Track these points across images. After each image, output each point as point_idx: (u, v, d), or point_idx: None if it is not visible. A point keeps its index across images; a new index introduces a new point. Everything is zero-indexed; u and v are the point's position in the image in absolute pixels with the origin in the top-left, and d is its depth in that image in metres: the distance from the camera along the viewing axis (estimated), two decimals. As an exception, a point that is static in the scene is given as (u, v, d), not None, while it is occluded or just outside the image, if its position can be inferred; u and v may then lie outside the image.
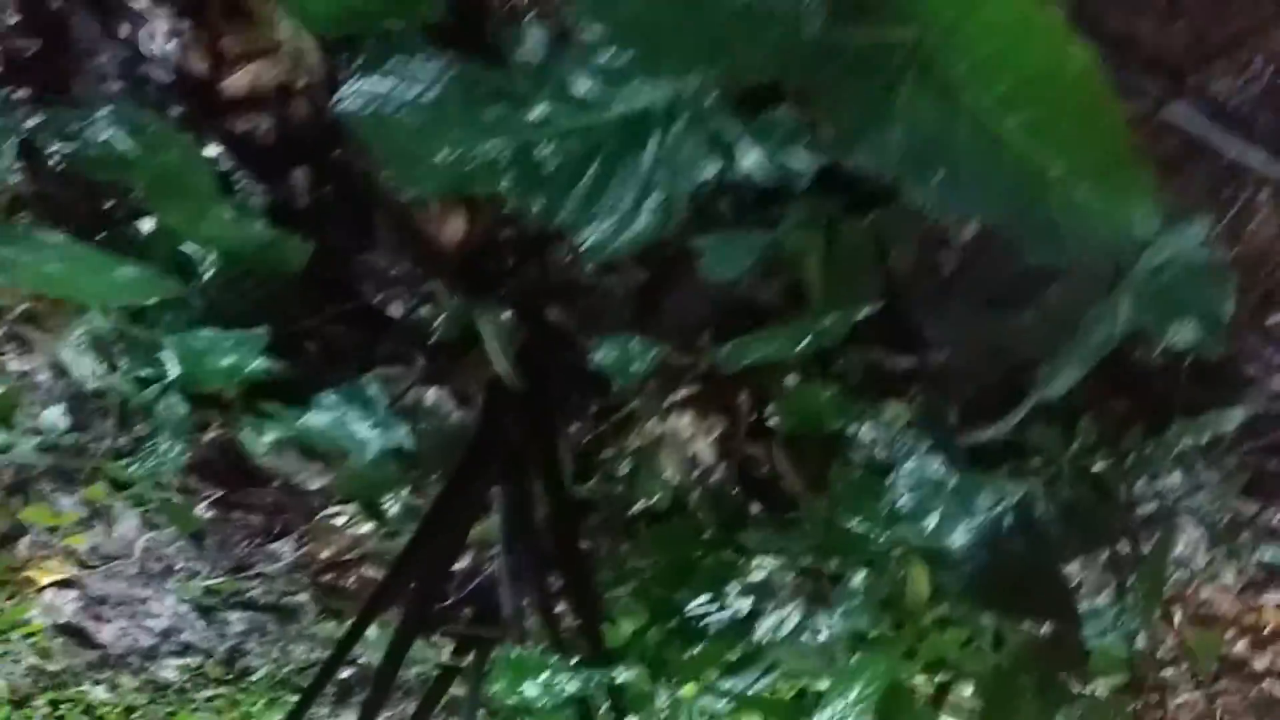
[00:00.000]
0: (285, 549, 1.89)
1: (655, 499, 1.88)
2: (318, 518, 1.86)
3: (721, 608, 1.45)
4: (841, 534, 1.42)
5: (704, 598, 1.44)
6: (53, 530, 1.86)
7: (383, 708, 1.69)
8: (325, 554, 1.90)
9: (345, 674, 2.24)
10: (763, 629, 1.29)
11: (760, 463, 1.95)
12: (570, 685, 1.32)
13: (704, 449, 1.94)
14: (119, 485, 1.75)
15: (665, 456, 1.93)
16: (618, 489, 1.86)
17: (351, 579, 1.98)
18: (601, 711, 1.36)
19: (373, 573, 1.98)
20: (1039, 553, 1.60)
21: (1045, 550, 1.62)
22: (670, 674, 1.38)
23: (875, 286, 1.20)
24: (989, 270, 1.50)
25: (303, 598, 2.04)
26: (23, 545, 1.89)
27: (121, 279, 1.10)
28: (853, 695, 1.24)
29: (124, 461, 1.62)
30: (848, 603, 1.37)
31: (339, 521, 1.87)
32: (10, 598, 1.99)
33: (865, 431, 1.54)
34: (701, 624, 1.44)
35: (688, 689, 1.42)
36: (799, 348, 1.17)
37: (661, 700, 1.37)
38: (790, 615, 1.26)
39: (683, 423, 1.91)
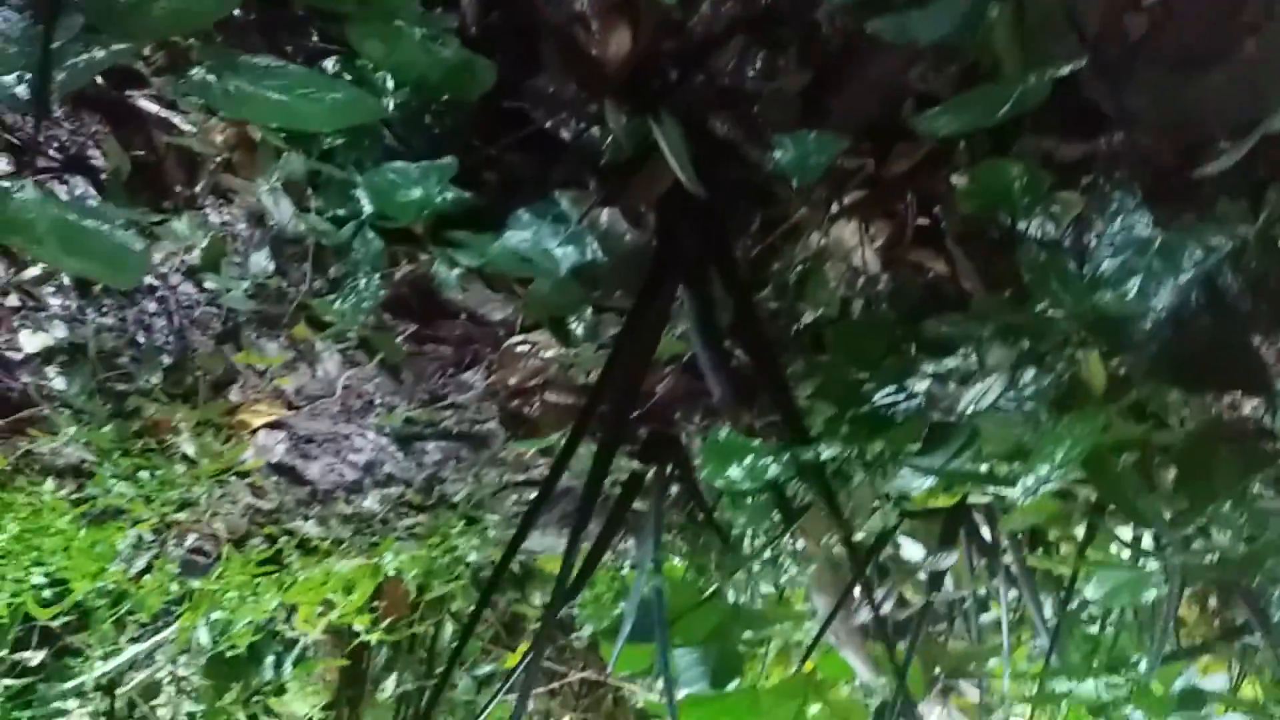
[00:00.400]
0: (475, 378, 2.00)
1: (823, 309, 1.91)
2: (504, 347, 1.95)
3: (910, 397, 1.48)
4: (1031, 318, 1.43)
5: (891, 388, 1.47)
6: (261, 374, 2.00)
7: (590, 519, 1.82)
8: (513, 380, 2.00)
9: (533, 494, 2.39)
10: (964, 401, 1.32)
11: (927, 269, 1.96)
12: (773, 467, 1.39)
13: (870, 257, 1.95)
14: (320, 325, 1.86)
15: (831, 267, 1.96)
16: (787, 302, 1.90)
17: (535, 404, 2.08)
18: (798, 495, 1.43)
19: (554, 398, 2.08)
20: (1229, 325, 1.58)
21: (1235, 323, 1.60)
22: (867, 455, 1.43)
23: (1071, 48, 1.18)
24: (1178, 33, 1.44)
25: (492, 425, 2.16)
26: (234, 391, 2.05)
27: (336, 102, 1.16)
28: (1059, 456, 1.27)
29: (326, 298, 1.72)
30: (1039, 382, 1.38)
31: (523, 349, 1.96)
32: (226, 441, 2.16)
33: (1036, 227, 1.52)
34: (890, 412, 1.48)
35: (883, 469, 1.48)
36: (1000, 111, 1.16)
37: (859, 479, 1.42)
38: (992, 387, 1.29)
39: (847, 231, 1.92)
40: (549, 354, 1.96)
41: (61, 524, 2.34)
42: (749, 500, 1.57)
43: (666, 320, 1.58)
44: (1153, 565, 1.49)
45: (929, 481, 1.48)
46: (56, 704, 3.63)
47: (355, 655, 3.88)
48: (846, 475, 1.46)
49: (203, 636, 2.89)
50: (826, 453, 1.34)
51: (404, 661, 4.35)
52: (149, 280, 1.87)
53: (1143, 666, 3.26)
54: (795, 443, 1.34)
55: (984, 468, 1.40)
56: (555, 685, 4.50)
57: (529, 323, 1.92)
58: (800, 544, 2.91)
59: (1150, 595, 1.56)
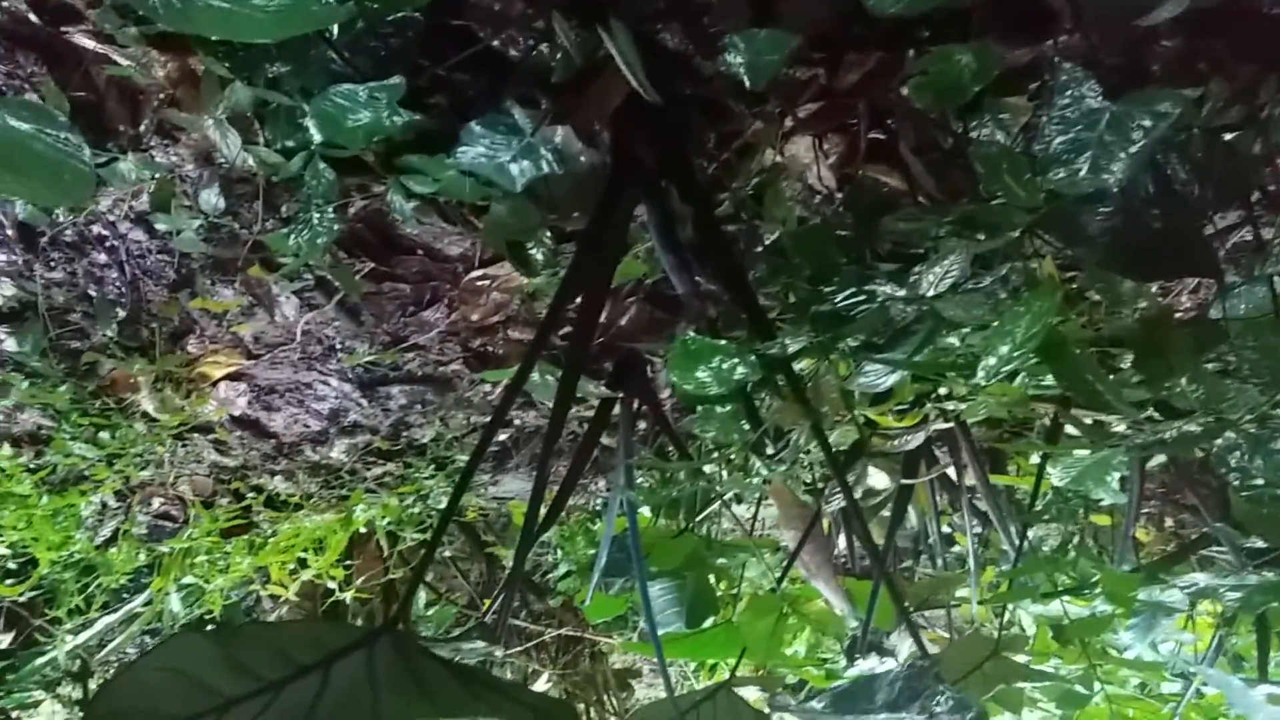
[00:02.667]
0: (436, 317, 1.99)
1: (781, 227, 1.91)
2: (464, 282, 1.94)
3: (870, 298, 1.49)
4: (985, 210, 1.45)
5: (850, 290, 1.48)
6: (218, 322, 1.97)
7: (554, 450, 1.81)
8: (474, 317, 1.99)
9: (502, 437, 2.38)
10: (924, 285, 1.33)
11: (882, 184, 1.97)
12: (739, 369, 1.40)
13: (825, 174, 1.96)
14: (274, 267, 1.84)
15: (788, 185, 1.96)
16: (746, 221, 1.90)
17: (499, 341, 2.08)
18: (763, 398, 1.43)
19: (518, 334, 2.07)
20: (1178, 214, 1.61)
21: (1184, 211, 1.63)
22: (831, 350, 1.44)
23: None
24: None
25: (456, 365, 2.15)
26: (192, 342, 2.02)
27: (282, 8, 1.13)
28: (1019, 334, 1.28)
29: (279, 234, 1.70)
30: (996, 273, 1.40)
31: (483, 284, 1.95)
32: (187, 396, 2.14)
33: (986, 135, 1.54)
34: (852, 312, 1.49)
35: (842, 368, 1.49)
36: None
37: (827, 379, 1.43)
38: (951, 270, 1.30)
39: (801, 148, 1.92)
40: (510, 287, 1.95)
41: (22, 491, 2.30)
42: (718, 410, 1.58)
43: (624, 237, 1.58)
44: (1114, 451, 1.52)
45: (893, 377, 1.50)
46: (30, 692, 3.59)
47: (330, 617, 3.86)
48: (811, 378, 1.48)
49: (175, 605, 2.86)
50: (791, 346, 1.35)
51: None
52: (98, 230, 1.83)
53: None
54: (760, 337, 1.35)
55: (946, 358, 1.41)
56: (532, 645, 4.52)
57: (488, 256, 1.91)
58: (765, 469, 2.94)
59: (1115, 477, 1.59)
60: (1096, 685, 3.13)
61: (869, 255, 1.59)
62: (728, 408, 1.59)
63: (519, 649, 4.48)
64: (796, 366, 1.58)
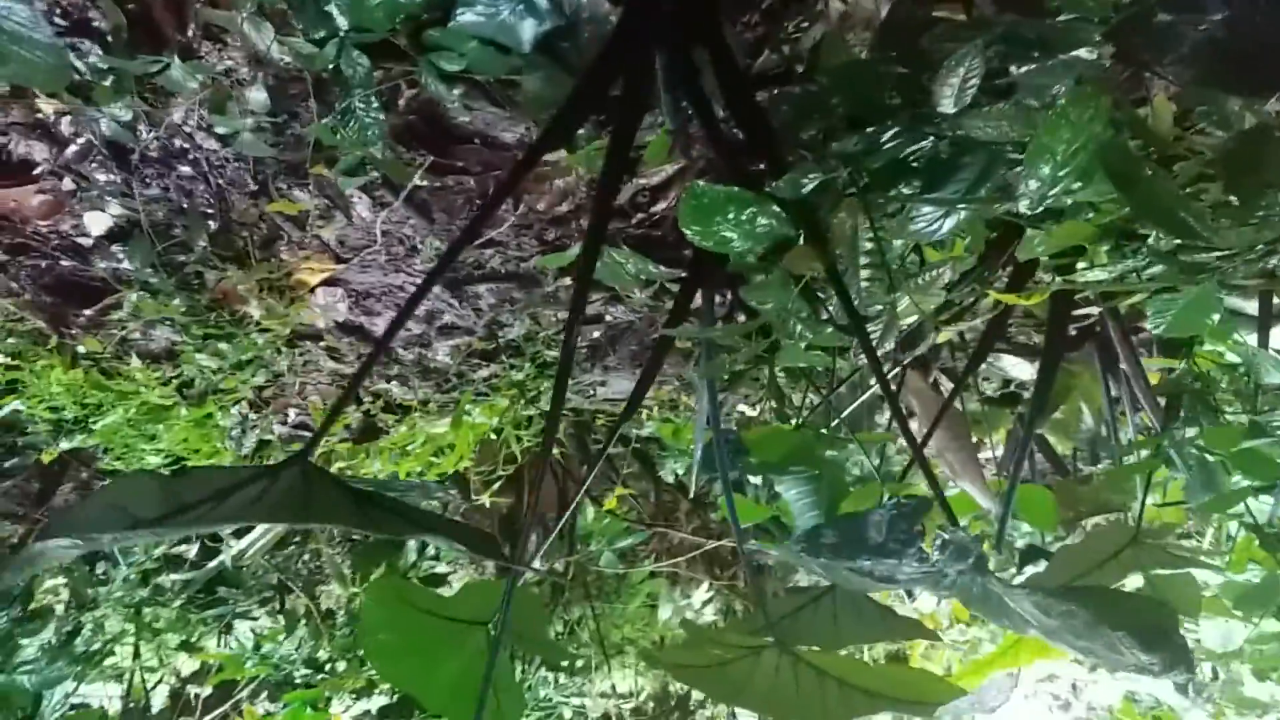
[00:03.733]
0: (504, 208, 1.97)
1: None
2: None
3: (919, 138, 1.35)
4: (1044, 26, 1.28)
5: (895, 131, 1.34)
6: (302, 227, 2.03)
7: (587, 300, 1.74)
8: (541, 206, 1.96)
9: (595, 334, 2.36)
10: (942, 100, 1.18)
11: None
12: (761, 220, 1.30)
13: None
14: (337, 164, 1.87)
15: (853, 35, 1.81)
16: (789, 64, 1.76)
17: (574, 231, 2.04)
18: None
19: (585, 220, 2.02)
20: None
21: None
22: (860, 184, 1.31)
23: None
24: None
25: (537, 260, 2.13)
26: (283, 249, 2.09)
27: None
28: (1061, 152, 1.12)
29: (324, 122, 1.72)
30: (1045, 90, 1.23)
31: (545, 170, 1.92)
32: (290, 304, 2.22)
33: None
34: (905, 157, 1.35)
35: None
36: None
37: (842, 217, 1.31)
38: (970, 77, 1.14)
39: (868, -6, 1.76)
40: (571, 176, 1.90)
41: (163, 403, 2.47)
42: (761, 277, 1.48)
43: (645, 93, 1.49)
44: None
45: (949, 221, 1.35)
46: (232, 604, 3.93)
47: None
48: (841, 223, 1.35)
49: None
50: (807, 185, 1.23)
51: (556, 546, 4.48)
52: (179, 144, 1.92)
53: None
54: (780, 176, 1.24)
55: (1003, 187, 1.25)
56: (690, 556, 4.54)
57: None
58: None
59: (1215, 318, 1.38)
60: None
61: (916, 91, 1.43)
62: (773, 273, 1.49)
63: (673, 561, 4.52)
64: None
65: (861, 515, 1.03)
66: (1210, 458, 2.60)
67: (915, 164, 1.36)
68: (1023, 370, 3.06)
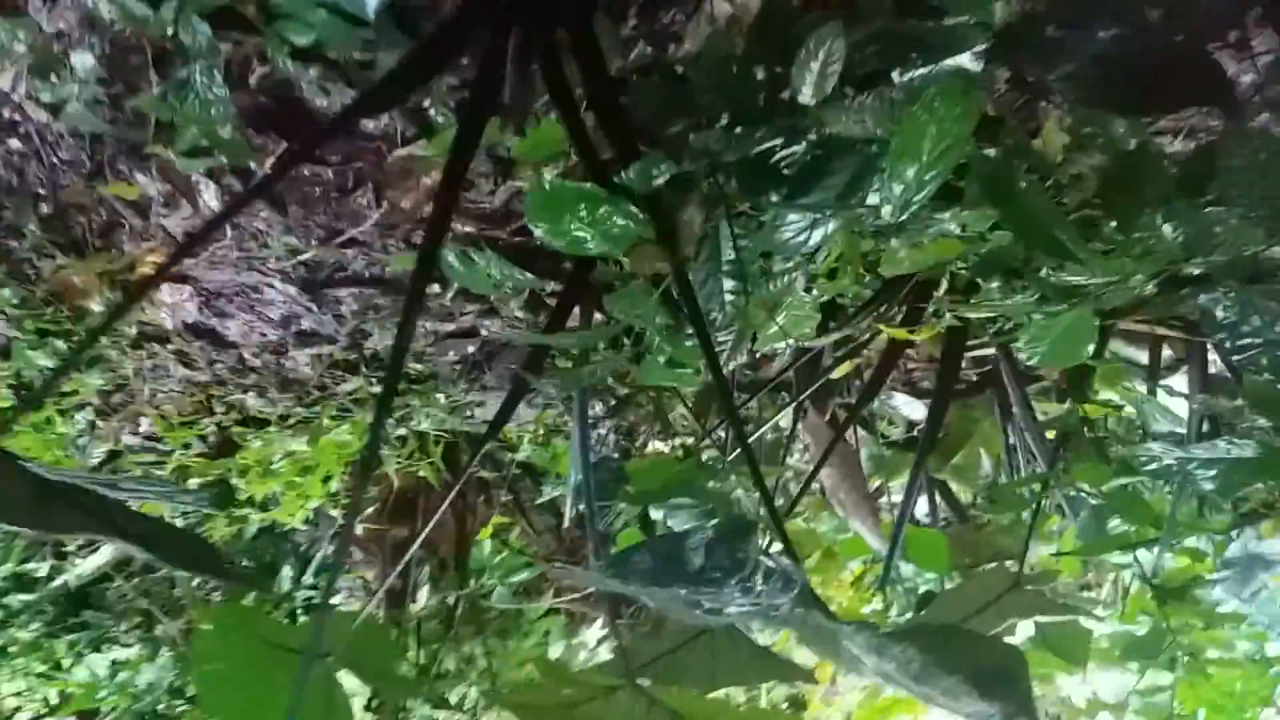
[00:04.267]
0: (364, 203, 1.83)
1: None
2: (387, 164, 1.78)
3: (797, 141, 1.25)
4: (925, 29, 1.19)
5: (765, 131, 1.25)
6: (144, 214, 1.87)
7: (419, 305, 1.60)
8: (406, 205, 1.83)
9: (470, 349, 2.22)
10: (802, 89, 1.08)
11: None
12: (617, 218, 1.18)
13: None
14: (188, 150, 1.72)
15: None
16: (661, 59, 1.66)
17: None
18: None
19: (467, 227, 1.90)
20: (1184, 28, 1.32)
21: (1190, 30, 1.34)
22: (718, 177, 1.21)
23: None
24: None
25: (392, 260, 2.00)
26: (125, 239, 1.93)
27: None
28: (927, 153, 1.03)
29: (167, 100, 1.57)
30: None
31: (409, 165, 1.79)
32: (134, 302, 2.05)
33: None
34: (777, 161, 1.25)
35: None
36: None
37: (690, 213, 1.21)
38: (830, 62, 1.04)
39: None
40: (440, 169, 1.78)
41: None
42: (619, 286, 1.36)
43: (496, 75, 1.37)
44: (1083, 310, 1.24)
45: (818, 232, 1.26)
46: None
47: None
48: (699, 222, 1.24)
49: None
50: (659, 177, 1.12)
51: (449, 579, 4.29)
52: (7, 114, 1.75)
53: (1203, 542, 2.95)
54: (627, 168, 1.12)
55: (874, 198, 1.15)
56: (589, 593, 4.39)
57: (411, 134, 1.74)
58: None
59: (1090, 347, 1.29)
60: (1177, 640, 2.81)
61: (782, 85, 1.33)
62: (632, 280, 1.38)
63: (569, 598, 4.37)
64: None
65: (679, 537, 0.91)
66: (1098, 500, 2.55)
67: (784, 169, 1.26)
68: (918, 411, 3.00)
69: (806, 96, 1.09)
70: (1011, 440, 2.99)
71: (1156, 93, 1.29)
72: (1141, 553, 2.54)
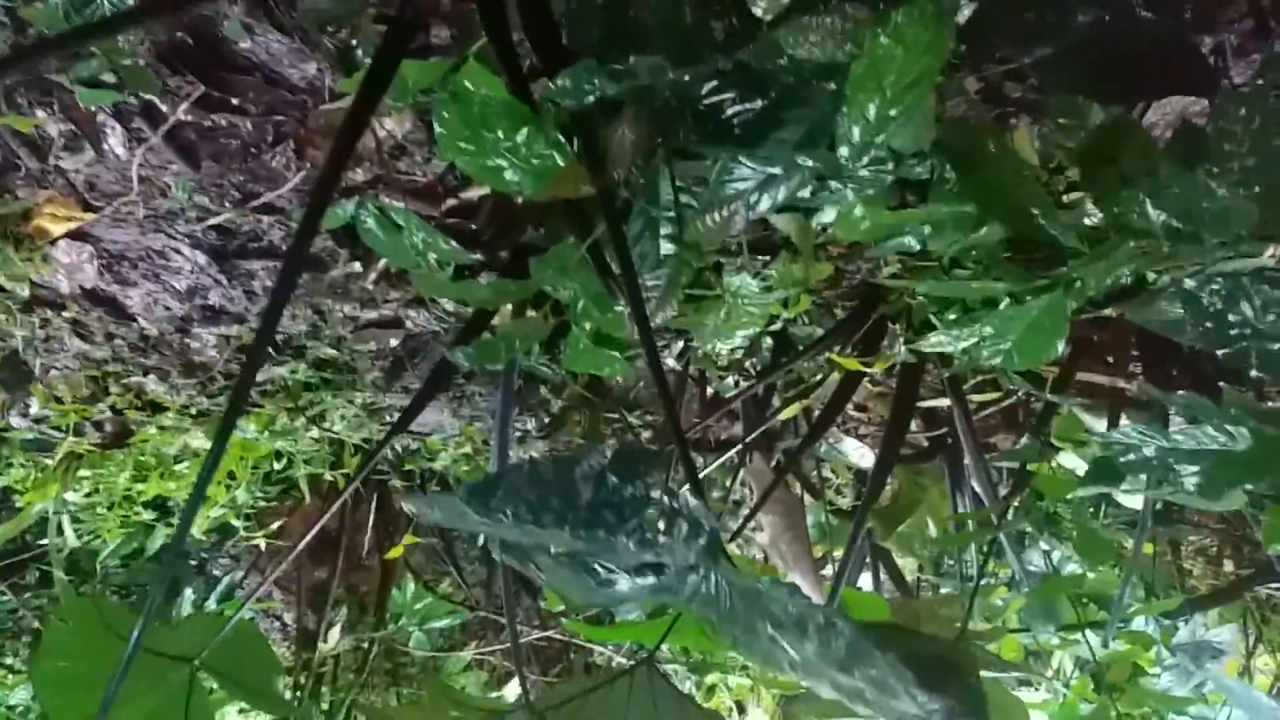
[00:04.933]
0: (285, 161, 1.69)
1: None
2: (311, 118, 1.64)
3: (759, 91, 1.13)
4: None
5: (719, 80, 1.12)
6: (41, 156, 1.71)
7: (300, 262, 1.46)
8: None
9: (394, 343, 2.06)
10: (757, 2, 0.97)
11: None
12: (540, 146, 1.05)
13: None
14: (89, 83, 1.57)
15: None
16: None
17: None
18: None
19: (394, 199, 1.76)
20: (1165, 21, 1.23)
21: (1171, 17, 1.25)
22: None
23: None
24: None
25: (327, 242, 1.85)
26: (19, 184, 1.76)
27: None
28: (890, 86, 0.91)
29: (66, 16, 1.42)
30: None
31: (336, 120, 1.65)
32: (28, 257, 1.88)
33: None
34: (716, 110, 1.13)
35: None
36: None
37: (622, 134, 1.07)
38: None
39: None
40: (369, 138, 1.64)
41: None
42: (557, 258, 1.21)
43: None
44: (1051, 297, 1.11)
45: (766, 199, 1.13)
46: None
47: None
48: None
49: (68, 533, 2.60)
50: (597, 90, 0.98)
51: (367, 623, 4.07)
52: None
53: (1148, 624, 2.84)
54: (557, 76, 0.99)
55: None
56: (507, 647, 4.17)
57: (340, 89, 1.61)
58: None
59: (1059, 341, 1.16)
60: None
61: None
62: (568, 243, 1.24)
63: (489, 649, 4.15)
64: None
65: (567, 463, 0.75)
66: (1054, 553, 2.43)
67: (735, 121, 1.14)
68: (867, 458, 2.87)
69: (761, 8, 0.97)
70: (960, 508, 2.87)
71: (1138, 80, 1.19)
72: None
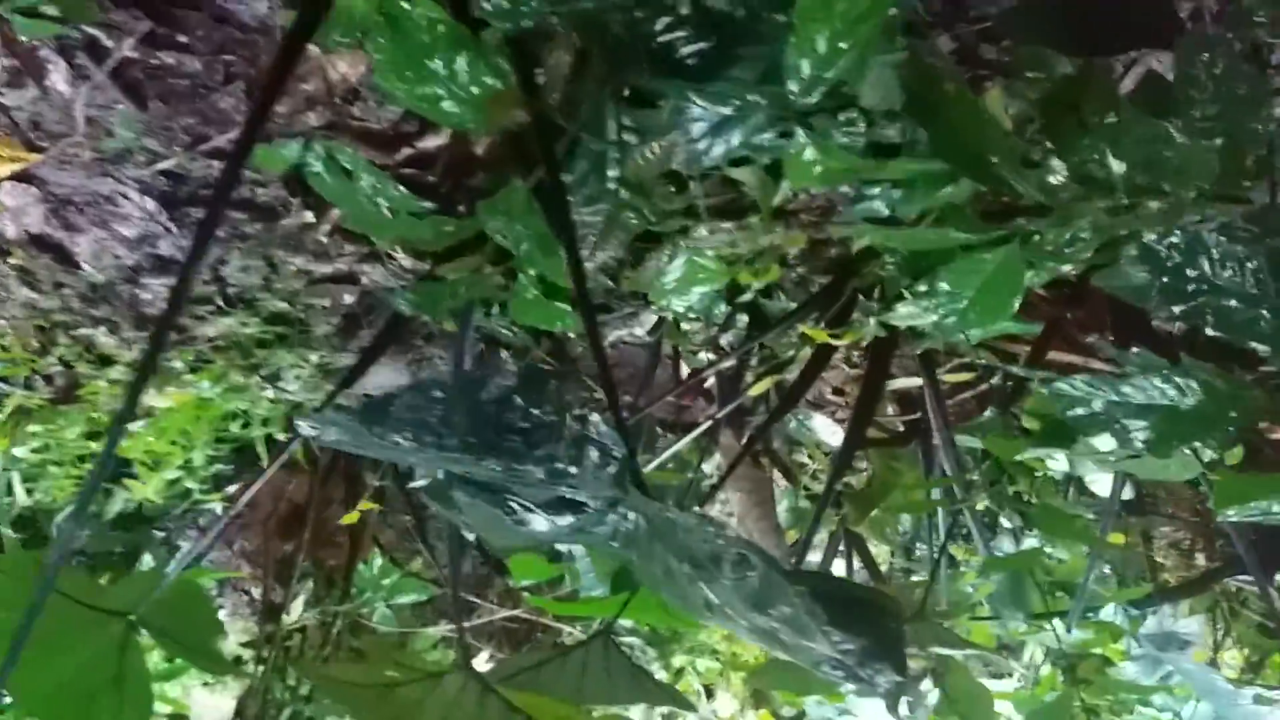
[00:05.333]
0: (234, 103, 1.64)
1: None
2: (264, 58, 1.59)
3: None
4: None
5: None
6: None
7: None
8: (282, 109, 1.63)
9: (349, 299, 2.01)
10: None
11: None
12: (484, 73, 1.00)
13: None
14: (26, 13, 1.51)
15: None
16: None
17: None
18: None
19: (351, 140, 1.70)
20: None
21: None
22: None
23: None
24: None
25: (277, 189, 1.80)
26: (-39, 119, 1.70)
27: None
28: (839, 15, 0.86)
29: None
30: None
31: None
32: (-27, 199, 1.82)
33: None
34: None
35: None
36: None
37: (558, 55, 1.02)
38: None
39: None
40: (322, 70, 1.59)
41: None
42: (504, 200, 1.17)
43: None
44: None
45: (720, 145, 1.09)
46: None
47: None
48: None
49: (17, 490, 2.55)
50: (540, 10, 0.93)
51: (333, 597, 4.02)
52: None
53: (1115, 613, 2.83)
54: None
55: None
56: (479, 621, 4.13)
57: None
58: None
59: (1015, 300, 1.12)
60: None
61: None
62: (517, 190, 1.19)
63: (452, 628, 4.11)
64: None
65: (475, 381, 0.70)
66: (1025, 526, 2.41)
67: (687, 58, 1.09)
68: (837, 436, 2.83)
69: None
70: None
71: (1106, 33, 1.15)
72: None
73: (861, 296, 2.13)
